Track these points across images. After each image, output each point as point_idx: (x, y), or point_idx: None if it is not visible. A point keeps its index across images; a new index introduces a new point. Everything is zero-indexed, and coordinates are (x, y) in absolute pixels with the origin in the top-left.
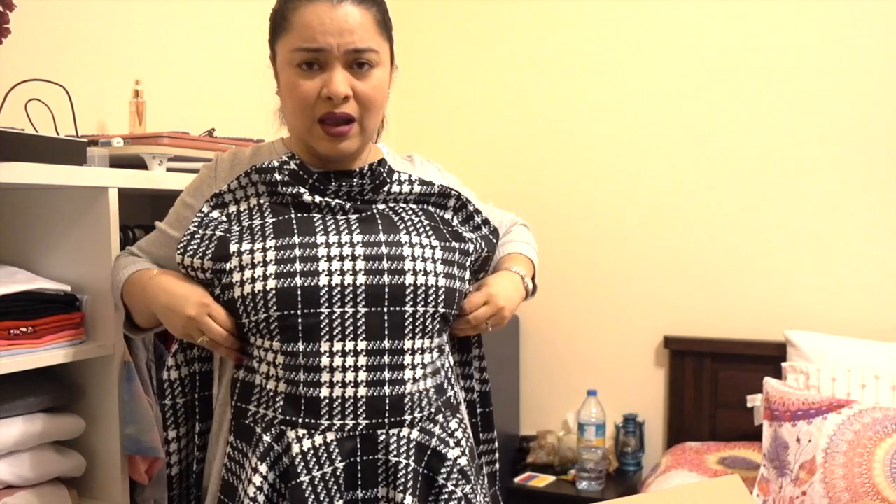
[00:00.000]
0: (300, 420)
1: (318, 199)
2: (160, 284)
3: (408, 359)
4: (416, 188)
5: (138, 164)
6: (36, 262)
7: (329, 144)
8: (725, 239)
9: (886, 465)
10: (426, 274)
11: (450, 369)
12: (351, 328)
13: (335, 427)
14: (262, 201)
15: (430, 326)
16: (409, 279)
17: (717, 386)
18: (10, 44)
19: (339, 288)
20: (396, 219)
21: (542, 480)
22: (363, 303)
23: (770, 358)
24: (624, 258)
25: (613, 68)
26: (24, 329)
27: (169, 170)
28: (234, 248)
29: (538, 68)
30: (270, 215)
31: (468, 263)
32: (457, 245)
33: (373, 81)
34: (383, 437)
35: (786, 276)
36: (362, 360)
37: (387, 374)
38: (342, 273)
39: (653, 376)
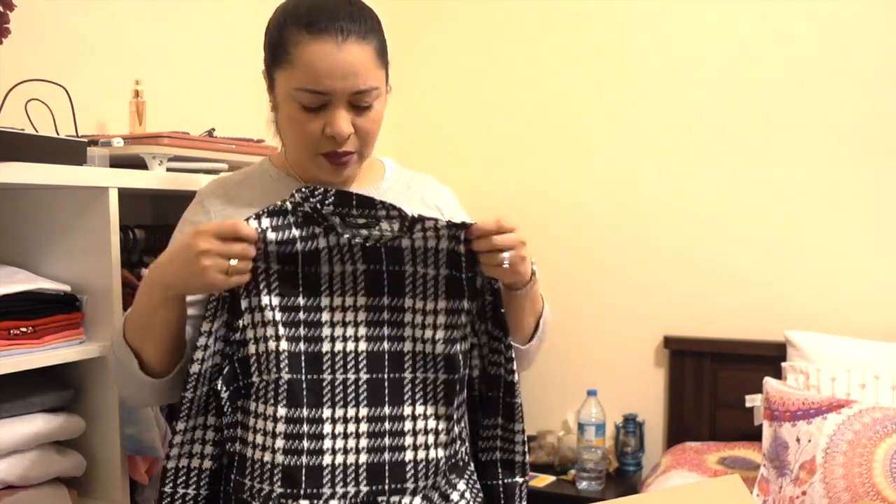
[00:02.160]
0: (301, 491)
1: (331, 241)
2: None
3: (408, 425)
4: (443, 243)
5: (138, 164)
6: (36, 262)
7: (331, 174)
8: (725, 239)
9: (886, 465)
10: (424, 342)
11: (464, 430)
12: (353, 394)
13: (338, 494)
14: (266, 237)
15: (433, 393)
16: (407, 346)
17: (717, 386)
18: (10, 44)
19: (341, 354)
20: (407, 275)
21: (542, 480)
22: (364, 369)
23: (770, 358)
24: (624, 258)
25: (614, 70)
26: (24, 329)
27: (169, 170)
28: (244, 303)
29: (538, 69)
30: (275, 261)
31: (476, 307)
32: (462, 304)
33: (372, 115)
34: None
35: (786, 276)
36: (363, 427)
37: (387, 441)
38: (344, 339)
39: (653, 376)
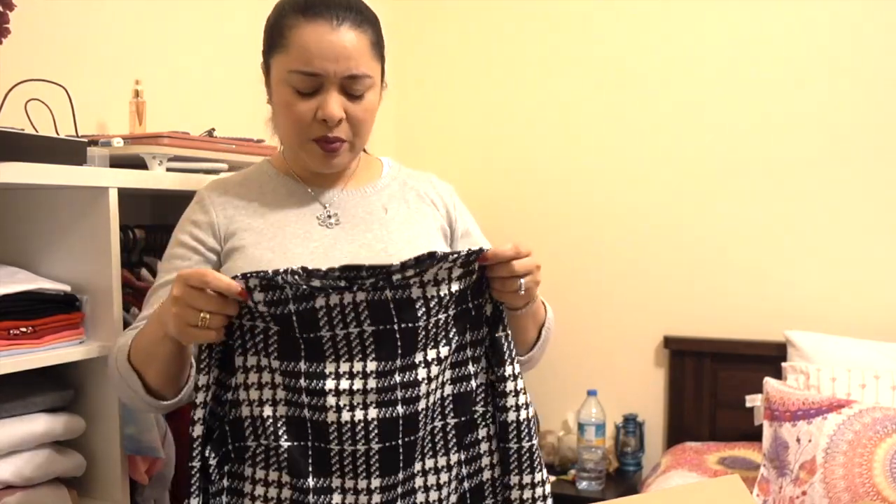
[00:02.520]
0: None
1: (331, 301)
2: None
3: (419, 481)
4: (454, 286)
5: (138, 164)
6: (36, 262)
7: (321, 162)
8: (725, 239)
9: (886, 465)
10: (436, 390)
11: (486, 471)
12: (364, 465)
13: None
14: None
15: (443, 441)
16: (421, 404)
17: (717, 386)
18: (10, 44)
19: (349, 425)
20: (420, 329)
21: None
22: (376, 439)
23: (770, 358)
24: (624, 258)
25: (614, 69)
26: (24, 329)
27: (169, 170)
28: (238, 361)
29: (539, 69)
30: (273, 321)
31: (482, 336)
32: (466, 337)
33: (364, 104)
34: None
35: (786, 276)
36: (376, 498)
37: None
38: (352, 408)
39: (653, 376)
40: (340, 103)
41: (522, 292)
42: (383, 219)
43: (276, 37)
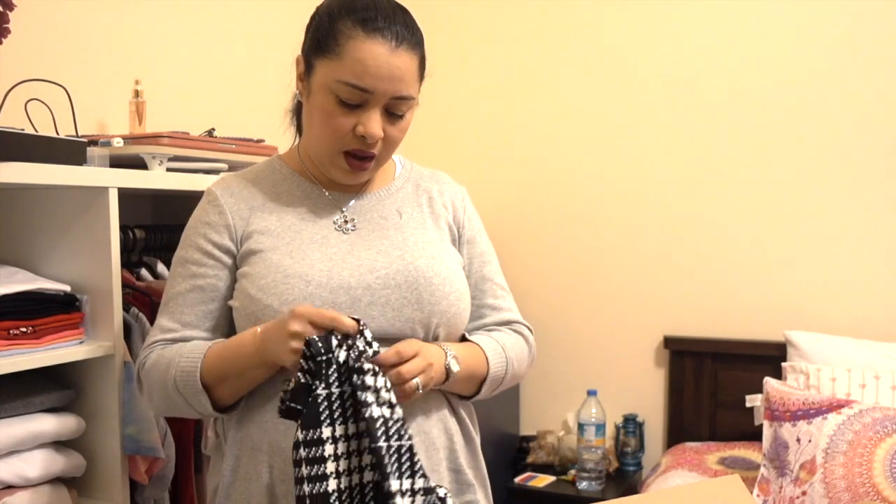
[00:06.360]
0: None
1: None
2: (263, 328)
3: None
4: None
5: (138, 164)
6: (36, 262)
7: (346, 174)
8: (725, 239)
9: (886, 465)
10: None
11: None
12: None
13: None
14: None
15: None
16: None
17: (717, 386)
18: (10, 44)
19: (347, 491)
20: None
21: (542, 480)
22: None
23: (770, 358)
24: (624, 258)
25: (619, 71)
26: (24, 329)
27: (169, 170)
28: (327, 431)
29: (543, 69)
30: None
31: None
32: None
33: (402, 124)
34: None
35: (786, 276)
36: None
37: None
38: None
39: (653, 376)
40: (380, 122)
41: (420, 391)
42: (398, 224)
43: (328, 40)
